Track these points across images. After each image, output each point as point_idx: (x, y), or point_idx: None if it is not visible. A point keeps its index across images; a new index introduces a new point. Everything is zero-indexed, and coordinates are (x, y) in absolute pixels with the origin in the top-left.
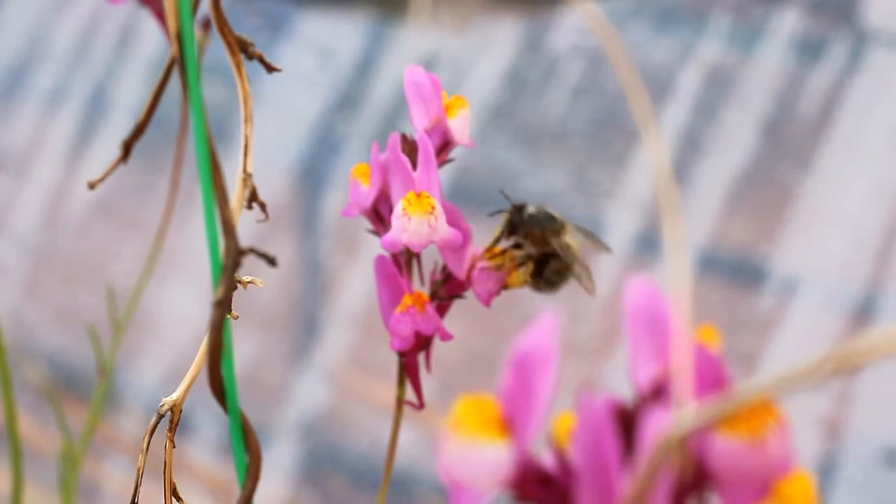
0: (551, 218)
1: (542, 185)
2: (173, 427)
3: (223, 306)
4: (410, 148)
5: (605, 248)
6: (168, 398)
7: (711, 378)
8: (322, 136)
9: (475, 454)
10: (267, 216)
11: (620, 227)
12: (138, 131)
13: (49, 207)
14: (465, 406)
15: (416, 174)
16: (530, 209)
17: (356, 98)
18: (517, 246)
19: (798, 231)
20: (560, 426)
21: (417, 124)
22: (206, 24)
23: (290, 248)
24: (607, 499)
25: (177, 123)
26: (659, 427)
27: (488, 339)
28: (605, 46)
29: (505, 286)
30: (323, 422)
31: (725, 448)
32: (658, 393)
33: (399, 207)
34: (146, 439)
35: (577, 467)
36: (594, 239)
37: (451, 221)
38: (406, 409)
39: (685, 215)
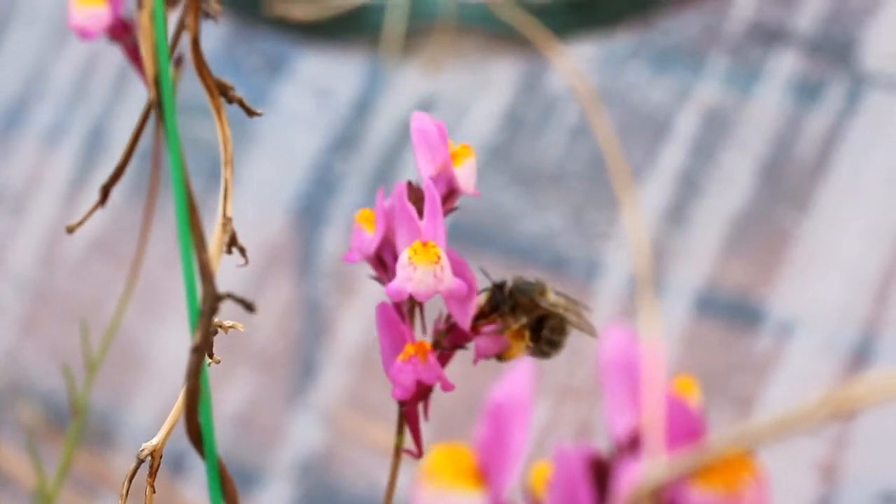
0: (529, 283)
1: (540, 226)
2: (153, 472)
3: (200, 352)
4: (416, 196)
5: (584, 306)
6: (148, 443)
7: (686, 429)
8: (320, 176)
9: (450, 502)
10: (246, 261)
11: (618, 268)
12: (116, 175)
13: (46, 245)
14: (439, 455)
15: (422, 223)
16: (509, 283)
17: (354, 138)
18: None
19: (795, 273)
20: (536, 476)
21: (423, 172)
22: (177, 62)
23: (288, 288)
24: None
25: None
26: (631, 478)
27: (486, 383)
28: (585, 103)
29: (501, 358)
30: (319, 463)
31: (700, 500)
32: (634, 444)
33: (404, 256)
34: (125, 485)
35: None
36: (570, 298)
37: (457, 272)
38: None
39: (682, 257)
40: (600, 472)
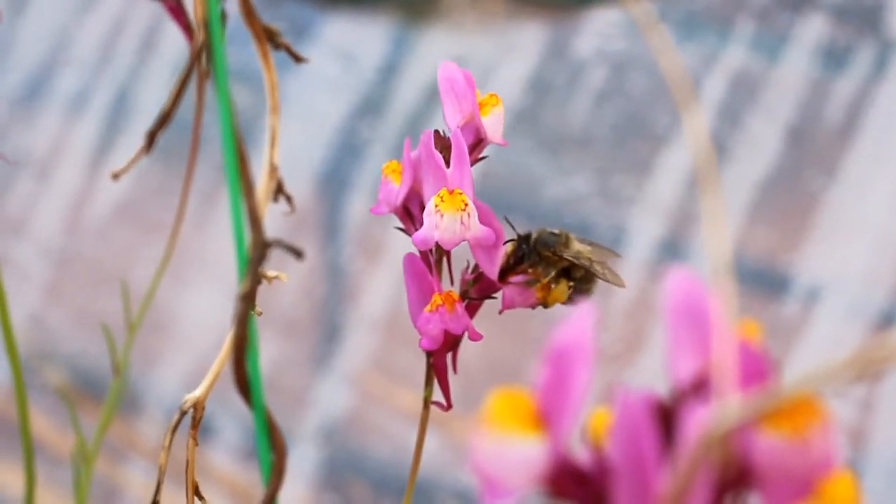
0: (554, 234)
1: (566, 190)
2: (196, 424)
3: (248, 300)
4: (443, 145)
5: (613, 253)
6: (191, 395)
7: (754, 373)
8: (345, 141)
9: (509, 449)
10: (293, 208)
11: (644, 233)
12: (162, 121)
13: (71, 211)
14: (499, 400)
15: (449, 171)
16: (533, 235)
17: (380, 103)
18: (534, 270)
19: (822, 238)
20: (595, 423)
21: (450, 121)
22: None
23: (313, 253)
24: (645, 496)
25: (203, 127)
26: (700, 423)
27: (514, 347)
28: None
29: (545, 304)
30: (344, 427)
31: (768, 445)
32: (698, 388)
33: (431, 204)
34: (168, 436)
35: (613, 464)
36: (598, 246)
37: (484, 220)
38: (431, 415)
39: (708, 222)
40: (664, 418)
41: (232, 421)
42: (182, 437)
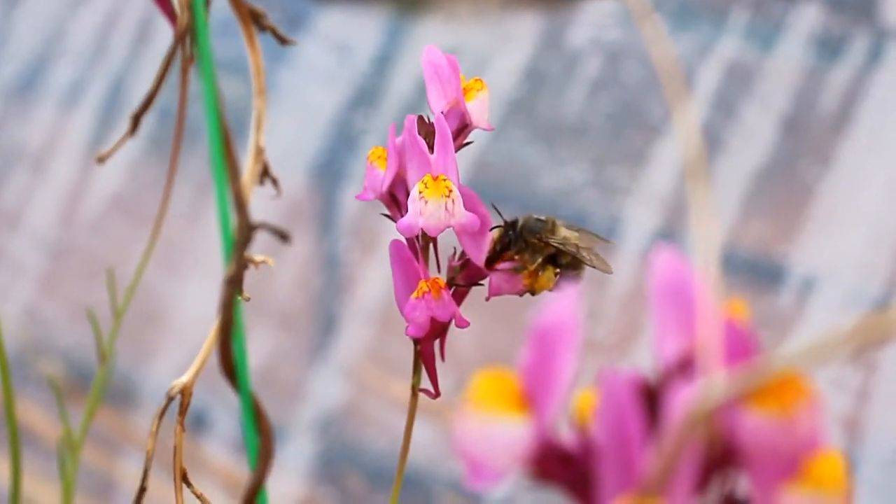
0: (540, 220)
1: (561, 181)
2: (183, 410)
3: (234, 283)
4: (427, 131)
5: (602, 239)
6: (178, 380)
7: (740, 351)
8: (340, 132)
9: (494, 430)
10: (279, 192)
11: (639, 223)
12: (146, 104)
13: (65, 204)
14: (484, 381)
15: (432, 157)
16: (519, 221)
17: (374, 94)
18: (520, 257)
19: (817, 229)
20: (581, 404)
21: (434, 106)
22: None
23: (308, 245)
24: (630, 475)
25: (194, 120)
26: (685, 401)
27: (505, 336)
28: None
29: (532, 292)
30: (340, 419)
31: (754, 423)
32: (684, 368)
33: (415, 191)
34: (155, 421)
35: (598, 445)
36: (586, 232)
37: (469, 206)
38: (423, 406)
39: (702, 212)
40: (648, 398)
41: (225, 413)
42: (172, 426)
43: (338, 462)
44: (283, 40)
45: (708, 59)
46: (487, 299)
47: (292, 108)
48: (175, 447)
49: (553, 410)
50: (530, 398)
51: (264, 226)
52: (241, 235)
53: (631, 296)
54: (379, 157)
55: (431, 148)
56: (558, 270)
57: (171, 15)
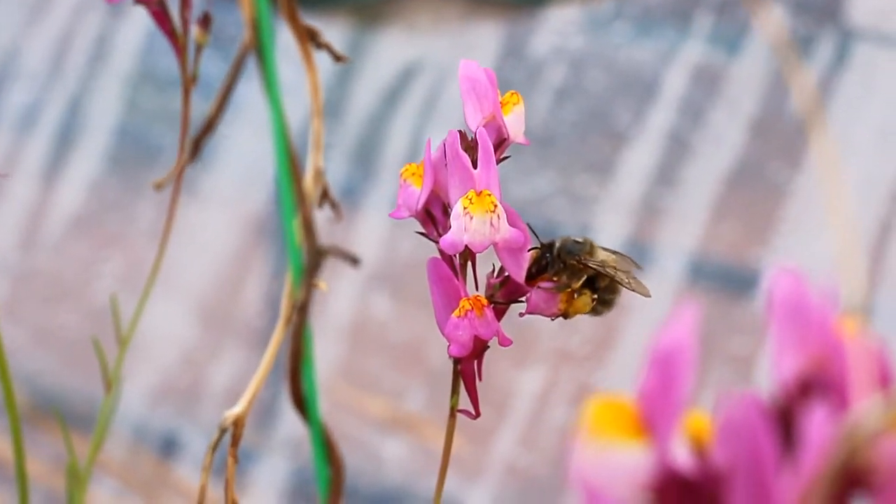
0: (577, 242)
1: (529, 190)
2: (235, 441)
3: (305, 310)
4: (467, 146)
5: (634, 263)
6: (230, 412)
7: (878, 374)
8: (303, 145)
9: (613, 458)
10: (340, 216)
11: (608, 231)
12: (207, 128)
13: (25, 227)
14: (600, 408)
15: (476, 172)
16: (556, 243)
17: (337, 106)
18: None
19: (789, 231)
20: (694, 428)
21: (471, 121)
22: (204, 21)
23: (274, 261)
24: (765, 501)
25: (155, 140)
26: (827, 426)
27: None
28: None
29: (566, 315)
30: None
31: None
32: (805, 389)
33: (459, 206)
34: (208, 456)
35: (722, 470)
36: (620, 255)
37: (511, 222)
38: (392, 420)
39: (674, 218)
40: (778, 420)
41: (197, 436)
42: (143, 456)
43: (311, 481)
44: (338, 58)
45: (673, 65)
46: (522, 315)
47: (255, 122)
48: (227, 480)
49: (673, 436)
50: (649, 424)
51: (334, 250)
52: (311, 261)
53: None
54: (413, 173)
55: (473, 163)
56: (594, 295)
57: (171, 35)
